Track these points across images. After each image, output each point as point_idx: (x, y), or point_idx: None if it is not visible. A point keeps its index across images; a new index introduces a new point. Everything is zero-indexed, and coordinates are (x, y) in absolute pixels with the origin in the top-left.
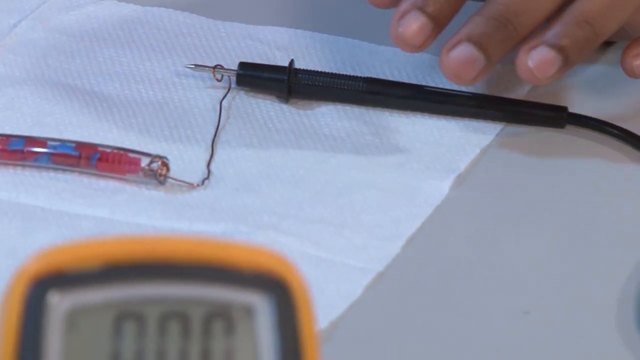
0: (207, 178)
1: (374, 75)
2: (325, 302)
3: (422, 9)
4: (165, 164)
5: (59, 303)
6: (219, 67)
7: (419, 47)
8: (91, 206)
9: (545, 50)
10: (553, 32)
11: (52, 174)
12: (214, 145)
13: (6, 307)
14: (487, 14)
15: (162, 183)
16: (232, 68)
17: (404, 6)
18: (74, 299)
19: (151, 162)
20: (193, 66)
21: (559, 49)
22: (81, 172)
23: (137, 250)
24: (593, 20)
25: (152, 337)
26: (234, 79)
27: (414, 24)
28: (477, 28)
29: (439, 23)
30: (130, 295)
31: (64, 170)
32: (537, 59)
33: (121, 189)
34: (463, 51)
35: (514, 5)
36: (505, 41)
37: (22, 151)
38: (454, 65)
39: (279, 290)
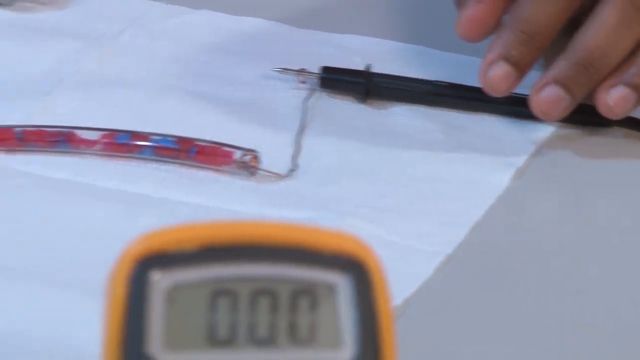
0: (294, 170)
1: (442, 79)
2: (399, 282)
3: (506, 59)
4: (256, 157)
5: (160, 281)
6: (303, 70)
7: (504, 92)
8: (190, 194)
9: (622, 89)
10: (629, 72)
11: (154, 165)
12: (300, 141)
13: (113, 284)
14: (571, 59)
15: (253, 174)
16: (315, 72)
17: (490, 56)
18: (174, 277)
19: (243, 155)
20: (280, 70)
21: (634, 87)
22: (181, 164)
23: (231, 233)
24: None
25: (244, 311)
26: (316, 81)
27: (499, 72)
28: (563, 72)
29: (521, 70)
30: (224, 274)
31: (166, 162)
32: (615, 97)
33: (216, 179)
34: (551, 92)
35: (595, 51)
36: (587, 82)
37: (127, 144)
38: (543, 104)
39: (358, 270)
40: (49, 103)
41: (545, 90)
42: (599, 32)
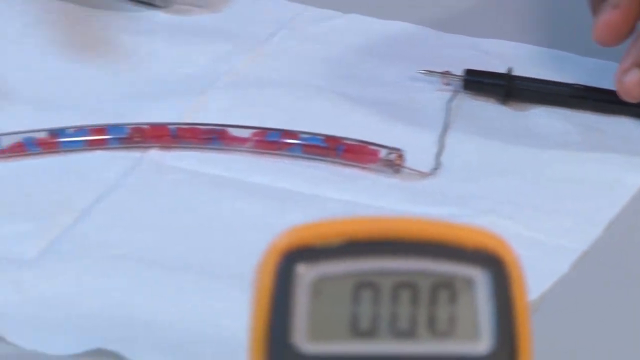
0: (437, 168)
1: (578, 82)
2: (536, 277)
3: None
4: (400, 156)
5: (305, 273)
6: (447, 73)
7: (638, 98)
8: (337, 190)
9: None
10: None
11: (303, 162)
12: (443, 140)
13: (261, 277)
14: None
15: (397, 172)
16: (459, 74)
17: (625, 64)
18: (319, 269)
19: (389, 153)
20: (425, 72)
21: None
22: (328, 161)
23: (374, 229)
24: None
25: (386, 303)
26: (460, 83)
27: (634, 79)
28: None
29: None
30: (367, 268)
31: (314, 159)
32: None
33: (362, 176)
34: (634, 76)
35: None
36: None
37: (277, 142)
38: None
39: (496, 265)
40: (203, 102)
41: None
42: None
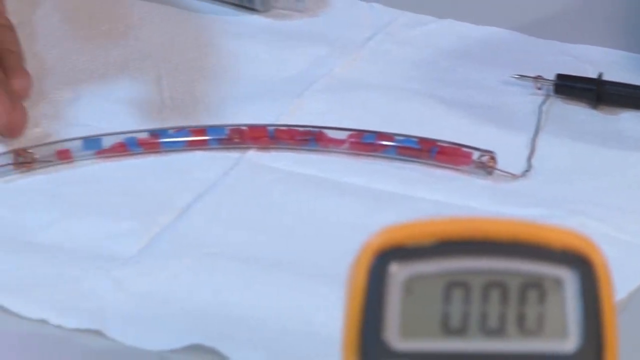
0: (528, 170)
1: None
2: (623, 277)
3: None
4: (492, 158)
5: (397, 272)
6: (539, 77)
7: None
8: (430, 191)
9: None
10: None
11: (397, 163)
12: (534, 142)
13: (354, 274)
14: None
15: (489, 174)
16: (550, 79)
17: None
18: (411, 269)
19: (481, 155)
20: (518, 76)
21: None
22: (422, 163)
23: (465, 229)
24: None
25: (476, 302)
26: (551, 88)
27: None
28: None
29: None
30: (458, 267)
31: (407, 160)
32: None
33: (455, 178)
34: None
35: None
36: None
37: (373, 144)
38: None
39: (584, 266)
40: (300, 104)
41: None
42: None
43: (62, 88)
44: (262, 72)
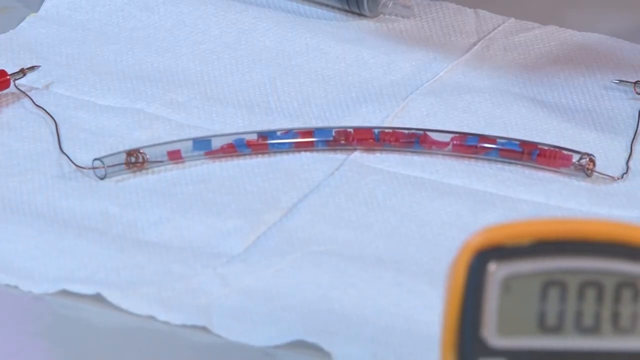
0: (626, 173)
1: None
2: None
3: None
4: (592, 160)
5: (496, 271)
6: (639, 82)
7: None
8: (530, 192)
9: None
10: None
11: (499, 165)
12: (633, 146)
13: (455, 271)
14: None
15: (589, 176)
16: None
17: None
18: (509, 268)
19: (581, 158)
20: (618, 81)
21: None
22: (522, 165)
23: (562, 230)
24: None
25: (572, 301)
26: None
27: None
28: None
29: None
30: (555, 267)
31: (508, 162)
32: None
33: (555, 179)
34: None
35: None
36: None
37: (475, 146)
38: None
39: None
40: (405, 107)
41: None
42: None
43: (174, 90)
44: (369, 75)
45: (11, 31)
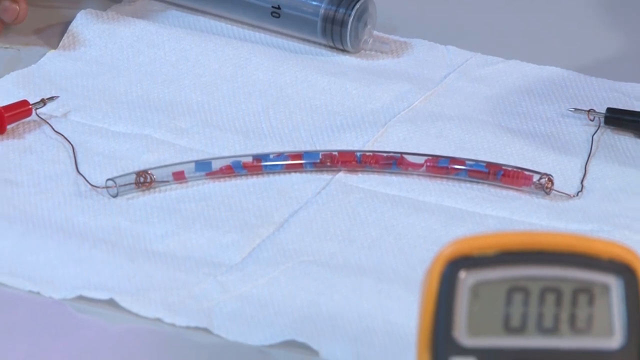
0: (581, 191)
1: None
2: None
3: None
4: (550, 180)
5: (465, 278)
6: (592, 110)
7: None
8: (495, 209)
9: None
10: None
11: (467, 184)
12: (587, 167)
13: (428, 280)
14: None
15: (547, 194)
16: (602, 112)
17: None
18: (477, 275)
19: (540, 178)
20: (573, 110)
21: None
22: (489, 184)
23: (524, 241)
24: None
25: (534, 305)
26: (602, 120)
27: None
28: None
29: None
30: (518, 274)
31: (476, 182)
32: None
33: (517, 197)
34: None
35: None
36: None
37: (447, 167)
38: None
39: (628, 273)
40: (384, 132)
41: None
42: None
43: (177, 118)
44: (352, 104)
45: (33, 65)
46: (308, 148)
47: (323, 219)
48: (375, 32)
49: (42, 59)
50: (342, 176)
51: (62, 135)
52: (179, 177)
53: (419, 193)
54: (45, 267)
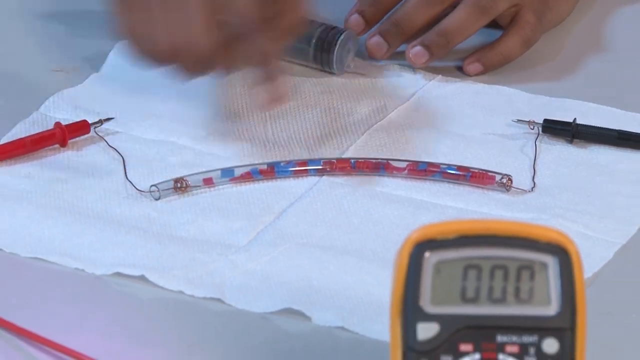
0: (534, 186)
1: (623, 129)
2: (590, 262)
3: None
4: (510, 179)
5: (430, 257)
6: (532, 121)
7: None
8: (454, 201)
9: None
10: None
11: (431, 182)
12: (535, 167)
13: (399, 259)
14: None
15: (507, 190)
16: (539, 122)
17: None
18: (439, 255)
19: (502, 178)
20: (517, 120)
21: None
22: (458, 184)
23: (478, 228)
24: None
25: (486, 279)
26: (541, 128)
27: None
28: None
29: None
30: (473, 255)
31: (448, 182)
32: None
33: (472, 191)
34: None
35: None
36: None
37: (425, 170)
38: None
39: (562, 254)
40: (364, 139)
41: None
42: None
43: (196, 128)
44: (337, 116)
45: (79, 85)
46: (301, 152)
47: (314, 209)
48: (356, 58)
49: (87, 80)
50: (330, 175)
51: (114, 148)
52: (208, 182)
53: (392, 188)
54: (88, 249)
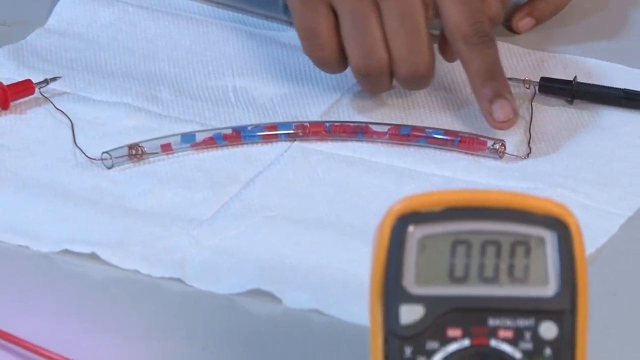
0: (530, 153)
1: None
2: (592, 236)
3: None
4: (503, 145)
5: (414, 232)
6: (527, 80)
7: None
8: (441, 169)
9: None
10: None
11: (414, 147)
12: (531, 131)
13: (380, 233)
14: None
15: (500, 157)
16: (536, 80)
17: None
18: (424, 230)
19: (494, 143)
20: (510, 78)
21: None
22: (446, 150)
23: (467, 198)
24: None
25: (476, 256)
26: (537, 87)
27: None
28: None
29: None
30: (462, 229)
31: (435, 148)
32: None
33: (460, 158)
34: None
35: None
36: None
37: (408, 135)
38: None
39: (561, 227)
40: (338, 100)
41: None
42: None
43: (153, 87)
44: (309, 75)
45: (22, 41)
46: (270, 114)
47: (285, 178)
48: None
49: (30, 35)
50: (303, 141)
51: (62, 111)
52: (167, 149)
53: (371, 154)
54: (33, 223)
